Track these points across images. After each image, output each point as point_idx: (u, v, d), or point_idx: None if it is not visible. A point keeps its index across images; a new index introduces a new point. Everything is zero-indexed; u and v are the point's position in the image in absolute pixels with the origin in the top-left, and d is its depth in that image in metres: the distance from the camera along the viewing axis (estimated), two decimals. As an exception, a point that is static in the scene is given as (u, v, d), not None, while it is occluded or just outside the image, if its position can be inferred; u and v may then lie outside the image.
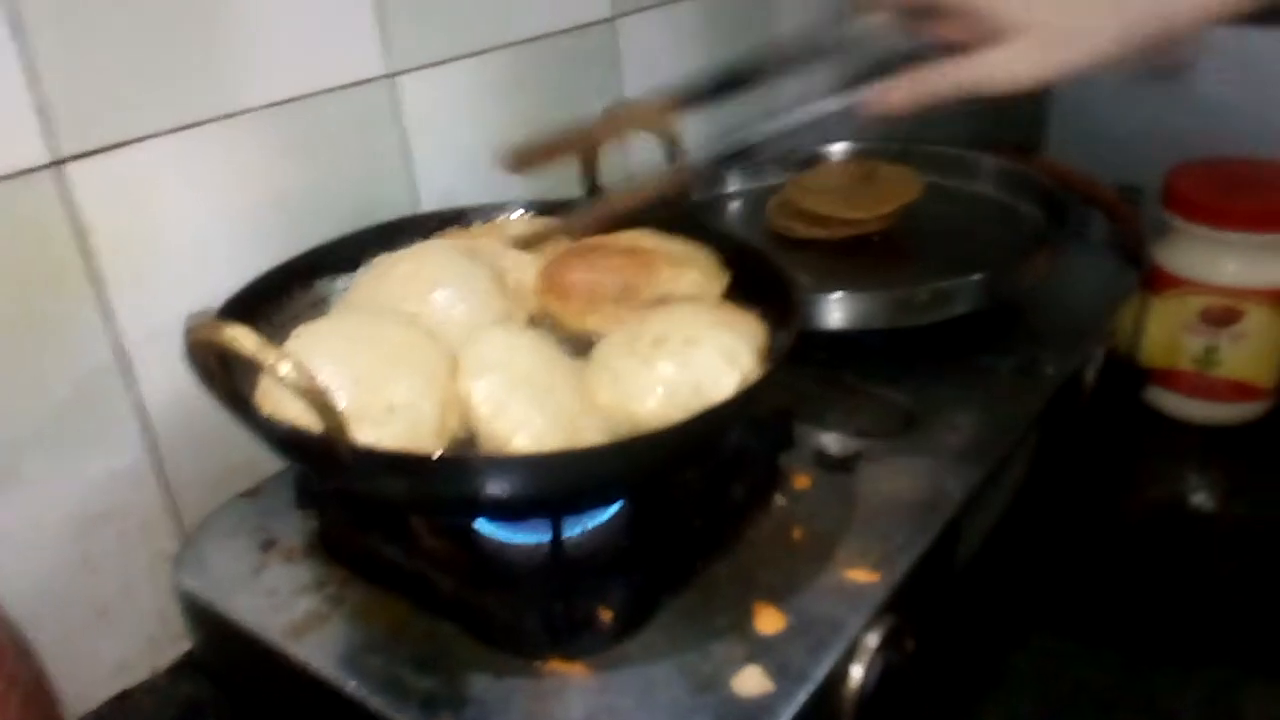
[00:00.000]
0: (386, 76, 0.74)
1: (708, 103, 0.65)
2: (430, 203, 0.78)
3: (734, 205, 1.01)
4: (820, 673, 0.52)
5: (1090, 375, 0.84)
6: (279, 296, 0.64)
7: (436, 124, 0.78)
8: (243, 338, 0.44)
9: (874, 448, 0.68)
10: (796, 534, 0.61)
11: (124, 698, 0.65)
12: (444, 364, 0.55)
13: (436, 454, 0.49)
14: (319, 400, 0.43)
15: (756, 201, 0.98)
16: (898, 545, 0.60)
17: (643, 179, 0.61)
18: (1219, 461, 0.97)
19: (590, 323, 0.62)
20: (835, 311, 0.77)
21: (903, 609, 0.57)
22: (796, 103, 0.60)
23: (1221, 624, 0.80)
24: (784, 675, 0.51)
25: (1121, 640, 0.79)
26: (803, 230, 0.89)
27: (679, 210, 0.69)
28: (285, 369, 0.43)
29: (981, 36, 0.54)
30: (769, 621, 0.55)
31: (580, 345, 0.61)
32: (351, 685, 0.52)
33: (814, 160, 1.00)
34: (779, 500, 0.64)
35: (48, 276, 0.58)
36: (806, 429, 0.69)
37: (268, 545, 0.63)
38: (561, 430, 0.51)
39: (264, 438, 0.51)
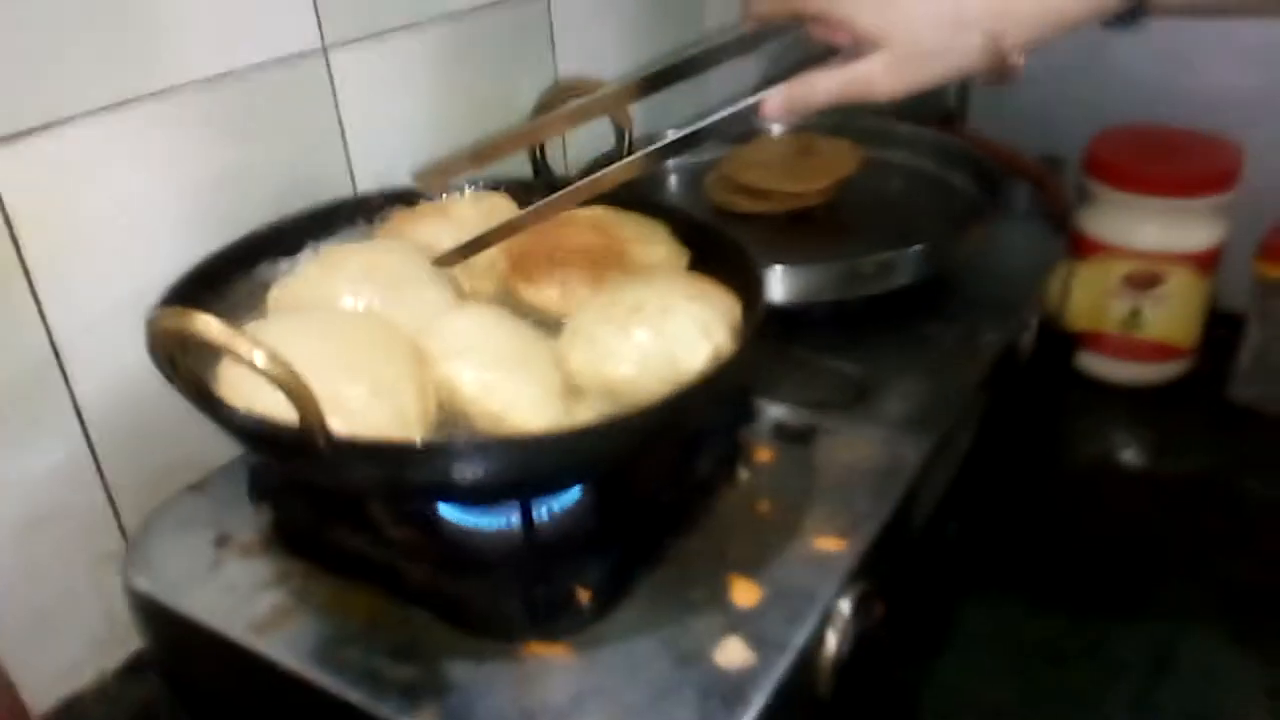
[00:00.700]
0: (320, 50, 0.71)
1: (652, 92, 0.65)
2: (366, 180, 0.76)
3: (671, 180, 1.01)
4: (799, 641, 0.52)
5: (1026, 341, 0.86)
6: (220, 284, 0.61)
7: (373, 99, 0.76)
8: (211, 326, 0.42)
9: (829, 419, 0.69)
10: (763, 506, 0.62)
11: (72, 704, 0.63)
12: (410, 351, 0.53)
13: (419, 441, 0.48)
14: (296, 389, 0.42)
15: (693, 175, 0.98)
16: (862, 513, 0.61)
17: (601, 172, 0.59)
18: (1146, 419, 1.01)
19: (562, 307, 0.61)
20: (784, 285, 0.77)
21: (871, 575, 0.58)
22: (725, 102, 0.60)
23: (1157, 576, 0.83)
24: (764, 645, 0.52)
25: (1066, 595, 0.82)
26: (746, 205, 0.90)
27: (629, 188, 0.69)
28: (260, 358, 0.41)
29: (859, 45, 0.55)
30: (745, 593, 0.55)
31: (547, 323, 0.60)
32: (327, 679, 0.51)
33: (750, 134, 1.00)
34: (743, 474, 0.64)
35: (-26, 267, 0.55)
36: (763, 402, 0.70)
37: (222, 540, 0.61)
38: (557, 398, 0.50)
39: (232, 431, 0.49)
